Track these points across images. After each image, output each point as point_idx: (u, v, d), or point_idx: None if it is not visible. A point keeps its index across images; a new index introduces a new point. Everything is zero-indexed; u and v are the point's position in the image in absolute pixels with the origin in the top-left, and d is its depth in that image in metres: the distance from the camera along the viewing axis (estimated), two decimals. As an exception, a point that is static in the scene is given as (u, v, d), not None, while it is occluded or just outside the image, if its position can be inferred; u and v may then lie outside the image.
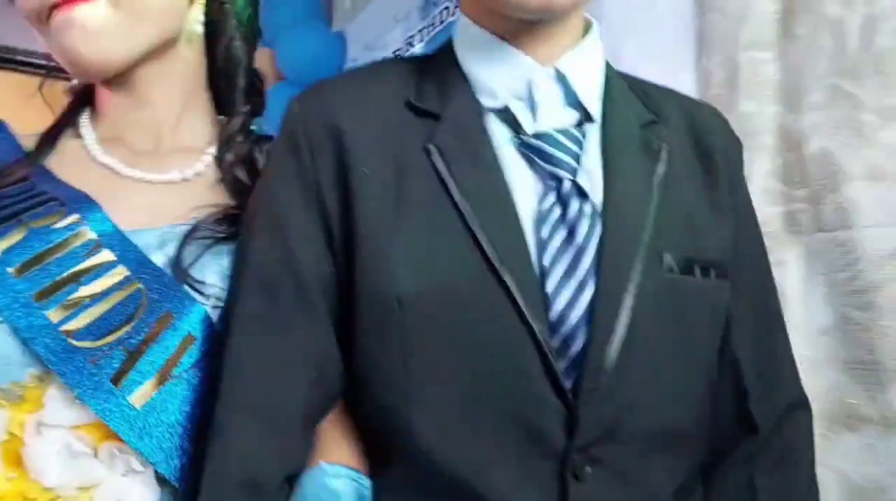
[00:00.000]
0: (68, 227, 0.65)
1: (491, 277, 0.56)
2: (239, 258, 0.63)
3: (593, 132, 0.64)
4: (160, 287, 0.63)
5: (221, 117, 0.81)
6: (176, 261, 0.64)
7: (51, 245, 0.64)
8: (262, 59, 2.64)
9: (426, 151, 0.61)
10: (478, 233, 0.57)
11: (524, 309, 0.56)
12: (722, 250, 0.65)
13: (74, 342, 0.60)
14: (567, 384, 0.56)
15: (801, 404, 0.70)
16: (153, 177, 0.72)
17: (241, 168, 0.75)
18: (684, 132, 0.68)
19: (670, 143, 0.65)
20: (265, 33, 2.67)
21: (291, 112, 0.64)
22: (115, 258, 0.64)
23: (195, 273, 0.65)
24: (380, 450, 0.61)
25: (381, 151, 0.61)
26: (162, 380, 0.61)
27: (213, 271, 0.66)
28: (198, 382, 0.62)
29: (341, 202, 0.60)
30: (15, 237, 0.64)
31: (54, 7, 0.67)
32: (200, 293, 0.64)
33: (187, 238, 0.66)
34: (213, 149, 0.77)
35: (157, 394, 0.61)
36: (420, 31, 2.04)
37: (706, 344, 0.63)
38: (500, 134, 0.63)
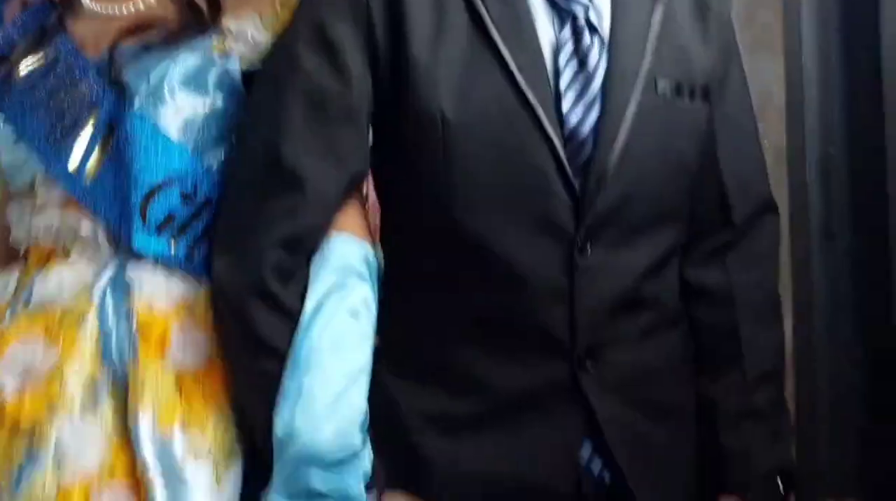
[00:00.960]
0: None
1: (516, 97, 0.68)
2: (286, 68, 0.70)
3: None
4: (95, 85, 0.75)
5: None
6: (108, 65, 0.76)
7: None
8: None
9: None
10: (507, 59, 0.68)
11: (545, 124, 0.68)
12: (707, 76, 0.76)
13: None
14: (576, 184, 0.69)
15: (770, 207, 0.83)
16: (117, 12, 0.81)
17: None
18: None
19: None
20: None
21: None
22: (72, 68, 0.76)
23: (123, 74, 0.75)
24: (423, 232, 0.72)
25: None
26: (101, 159, 0.73)
27: (134, 70, 0.75)
28: (118, 158, 0.73)
29: (389, 29, 0.69)
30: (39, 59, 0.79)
31: None
32: (123, 90, 0.74)
33: (118, 48, 0.76)
34: None
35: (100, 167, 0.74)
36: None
37: (689, 153, 0.75)
38: None
